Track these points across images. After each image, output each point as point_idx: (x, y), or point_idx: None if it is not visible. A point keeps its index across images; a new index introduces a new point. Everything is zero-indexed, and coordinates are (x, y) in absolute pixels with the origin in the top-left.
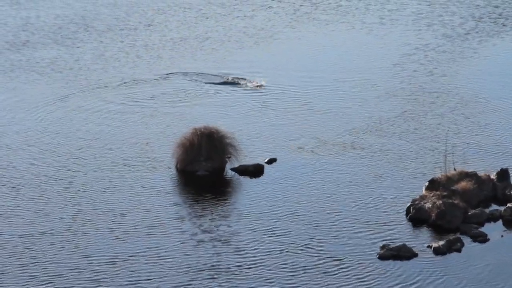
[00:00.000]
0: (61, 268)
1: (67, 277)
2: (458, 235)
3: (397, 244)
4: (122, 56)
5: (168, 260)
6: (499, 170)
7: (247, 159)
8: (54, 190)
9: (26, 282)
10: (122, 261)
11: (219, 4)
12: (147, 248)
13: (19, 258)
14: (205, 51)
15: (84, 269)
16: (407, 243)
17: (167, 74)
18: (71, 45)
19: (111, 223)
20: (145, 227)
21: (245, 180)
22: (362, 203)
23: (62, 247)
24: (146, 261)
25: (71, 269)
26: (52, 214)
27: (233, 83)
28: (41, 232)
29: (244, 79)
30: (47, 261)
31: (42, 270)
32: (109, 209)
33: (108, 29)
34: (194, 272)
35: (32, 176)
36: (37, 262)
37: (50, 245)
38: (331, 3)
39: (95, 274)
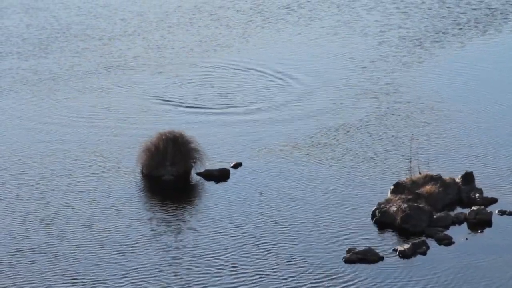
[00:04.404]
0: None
1: None
2: (423, 238)
3: (363, 248)
4: (90, 64)
5: (143, 277)
6: (463, 173)
7: (213, 164)
8: (18, 204)
9: None
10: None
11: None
12: (124, 265)
13: None
14: (165, 58)
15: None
16: (373, 247)
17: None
18: (44, 55)
19: (83, 239)
20: (116, 243)
21: (210, 185)
22: (328, 206)
23: (33, 265)
24: (121, 279)
25: None
26: (21, 231)
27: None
28: (10, 251)
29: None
30: (15, 283)
31: None
32: (79, 223)
33: (79, 39)
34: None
35: None
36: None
37: (20, 264)
38: (292, 11)
39: None
